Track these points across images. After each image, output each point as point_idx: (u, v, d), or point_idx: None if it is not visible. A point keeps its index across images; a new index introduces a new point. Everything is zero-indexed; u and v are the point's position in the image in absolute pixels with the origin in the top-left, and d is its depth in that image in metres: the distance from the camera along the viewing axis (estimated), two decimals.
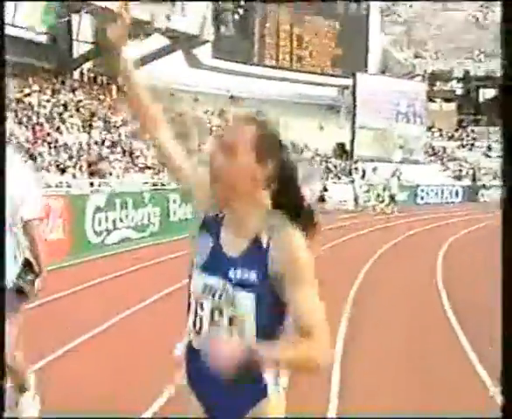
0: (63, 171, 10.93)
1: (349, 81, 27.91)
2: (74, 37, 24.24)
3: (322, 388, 3.51)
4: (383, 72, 33.20)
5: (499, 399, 3.41)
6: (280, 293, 1.40)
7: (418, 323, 5.34)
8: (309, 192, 17.02)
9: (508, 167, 1.79)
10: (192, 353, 1.49)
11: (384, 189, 17.60)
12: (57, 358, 3.94)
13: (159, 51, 23.79)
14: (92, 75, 23.92)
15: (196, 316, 1.47)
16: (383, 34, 35.92)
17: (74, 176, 10.99)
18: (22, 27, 21.60)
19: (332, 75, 30.84)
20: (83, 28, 24.34)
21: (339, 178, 21.15)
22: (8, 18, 20.27)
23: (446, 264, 8.53)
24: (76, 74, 23.63)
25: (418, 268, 8.31)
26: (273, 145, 1.44)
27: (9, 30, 20.76)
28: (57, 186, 9.38)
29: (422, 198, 21.84)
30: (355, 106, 26.60)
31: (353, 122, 26.64)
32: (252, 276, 1.41)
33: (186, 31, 22.47)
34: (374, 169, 19.24)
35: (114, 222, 8.96)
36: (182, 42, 23.20)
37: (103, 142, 15.05)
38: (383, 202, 17.63)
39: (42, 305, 5.37)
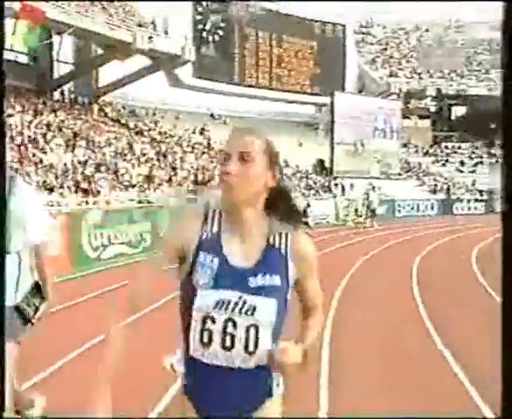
0: (51, 190, 11.13)
1: (326, 99, 28.67)
2: (55, 57, 24.42)
3: (312, 385, 3.84)
4: (360, 91, 34.12)
5: (475, 396, 3.68)
6: (289, 292, 1.51)
7: (395, 323, 5.72)
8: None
9: (508, 179, 1.81)
10: (196, 366, 1.48)
11: (363, 204, 18.15)
12: (56, 370, 4.10)
13: (141, 71, 24.09)
14: (72, 96, 24.09)
15: (203, 330, 1.46)
16: (359, 54, 36.96)
17: (62, 195, 11.19)
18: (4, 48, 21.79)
19: (310, 93, 31.60)
20: (64, 48, 24.55)
21: (319, 194, 21.66)
22: None
23: (420, 271, 9.05)
24: (57, 94, 23.75)
25: (395, 275, 8.80)
26: (277, 153, 1.54)
27: None
28: (48, 204, 9.56)
29: (400, 211, 22.54)
30: (333, 123, 27.32)
31: (332, 139, 27.34)
32: (276, 281, 1.46)
33: (168, 52, 22.86)
34: (352, 185, 19.80)
35: (108, 238, 9.32)
36: (163, 62, 23.57)
37: (86, 162, 15.24)
38: (361, 216, 18.17)
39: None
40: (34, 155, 13.57)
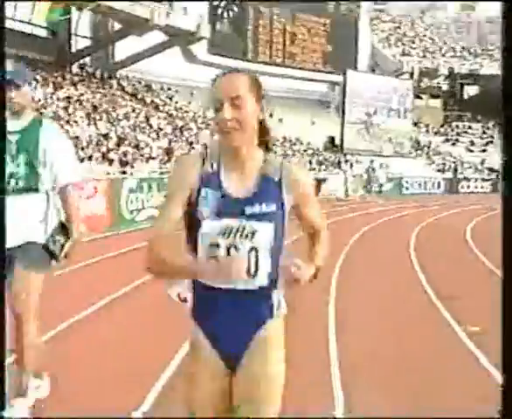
0: (81, 161, 11.99)
1: (340, 77, 29.03)
2: (73, 31, 24.95)
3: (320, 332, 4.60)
4: (372, 69, 34.35)
5: (471, 346, 4.09)
6: (286, 218, 1.63)
7: (392, 281, 6.45)
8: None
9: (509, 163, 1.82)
10: (202, 290, 1.62)
11: (370, 180, 18.83)
12: (79, 321, 4.39)
13: (157, 46, 24.59)
14: (90, 70, 24.68)
15: (209, 257, 1.58)
16: (372, 32, 37.01)
17: (91, 166, 12.05)
18: (22, 21, 22.37)
19: (323, 71, 31.91)
20: (82, 23, 25.07)
21: (329, 170, 22.33)
22: (9, 11, 21.06)
23: (418, 239, 9.91)
24: (75, 68, 24.32)
25: (395, 242, 9.64)
26: (261, 85, 1.61)
27: (9, 23, 21.55)
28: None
29: (407, 189, 23.15)
30: (344, 102, 27.76)
31: (342, 117, 27.81)
32: (272, 207, 1.59)
33: (184, 28, 23.33)
34: (361, 163, 20.46)
35: (142, 202, 10.56)
36: (179, 38, 24.05)
37: (107, 135, 15.99)
38: (370, 191, 18.88)
39: (76, 270, 6.44)
40: (62, 126, 14.35)
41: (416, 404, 3.12)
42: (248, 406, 1.63)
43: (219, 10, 27.92)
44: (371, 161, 19.46)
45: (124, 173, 12.26)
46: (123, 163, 13.20)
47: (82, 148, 13.26)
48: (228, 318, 1.61)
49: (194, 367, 1.66)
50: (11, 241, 2.63)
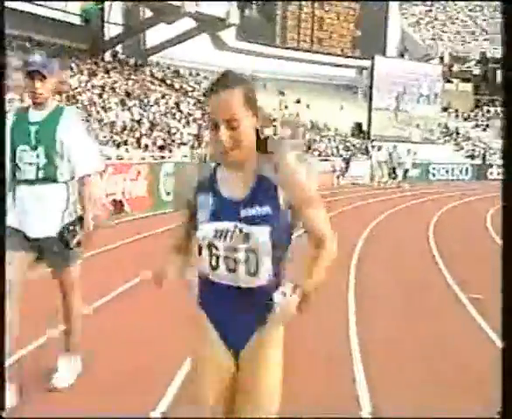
0: (118, 146, 12.61)
1: (368, 62, 28.94)
2: (106, 19, 25.56)
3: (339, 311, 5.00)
4: (401, 54, 34.00)
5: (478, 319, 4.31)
6: (287, 218, 1.60)
7: (410, 260, 6.82)
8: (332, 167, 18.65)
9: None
10: (209, 285, 1.67)
11: (396, 166, 18.99)
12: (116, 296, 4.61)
13: (186, 33, 25.00)
14: (122, 57, 25.29)
15: (211, 256, 1.63)
16: (402, 16, 36.54)
17: (127, 150, 12.65)
18: (57, 9, 23.08)
19: (352, 57, 31.79)
20: (114, 11, 25.67)
21: (356, 156, 22.51)
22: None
23: (438, 222, 10.27)
24: (107, 56, 24.95)
25: (415, 225, 10.00)
26: (254, 93, 1.59)
27: (44, 11, 22.28)
28: (118, 158, 11.05)
29: (434, 175, 23.15)
30: (371, 88, 27.72)
31: (370, 103, 27.79)
32: (266, 209, 1.58)
33: (213, 15, 23.66)
34: (388, 148, 20.59)
35: None
36: (208, 25, 24.39)
37: (140, 121, 16.58)
38: (395, 178, 19.05)
39: (120, 246, 6.97)
40: (98, 113, 15.01)
41: (438, 392, 3.10)
42: (247, 396, 1.67)
43: None
44: (394, 147, 19.60)
45: (163, 157, 12.93)
46: (161, 148, 13.82)
47: (117, 133, 13.87)
48: (230, 309, 1.66)
49: (200, 348, 1.72)
50: (34, 231, 2.78)
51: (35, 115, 2.81)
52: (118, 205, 9.43)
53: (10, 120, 2.81)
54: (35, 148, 2.77)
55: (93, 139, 3.22)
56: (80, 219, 2.87)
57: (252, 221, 1.58)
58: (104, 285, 4.91)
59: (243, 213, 1.59)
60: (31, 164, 2.77)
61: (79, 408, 2.76)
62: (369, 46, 30.37)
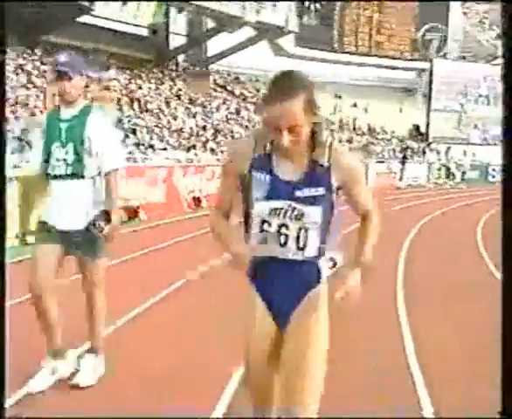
0: (188, 150, 13.72)
1: (427, 64, 28.77)
2: (171, 30, 26.98)
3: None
4: (463, 56, 33.39)
5: None
6: (333, 198, 1.74)
7: (458, 256, 7.22)
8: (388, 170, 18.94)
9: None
10: (256, 259, 1.77)
11: (456, 168, 18.97)
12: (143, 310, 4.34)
13: (246, 41, 25.95)
14: (186, 65, 26.60)
15: (262, 231, 1.74)
16: (465, 15, 35.81)
17: (196, 154, 13.76)
18: (126, 22, 24.69)
19: (410, 59, 31.63)
20: (178, 22, 27.04)
21: (413, 158, 22.58)
22: (114, 14, 23.36)
23: (486, 223, 10.51)
24: (171, 65, 26.29)
25: (467, 223, 10.45)
26: (313, 93, 1.68)
27: (114, 25, 23.90)
28: (188, 161, 12.15)
29: (493, 177, 22.78)
30: (430, 90, 27.56)
31: (428, 105, 27.64)
32: (320, 191, 1.71)
33: (273, 23, 24.46)
34: (447, 149, 20.56)
35: None
36: (268, 33, 25.21)
37: (205, 127, 17.65)
38: (454, 179, 19.04)
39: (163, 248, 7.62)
40: (169, 122, 16.22)
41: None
42: (294, 362, 1.74)
43: (307, 4, 28.73)
44: (448, 148, 19.59)
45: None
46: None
47: (185, 139, 14.99)
48: (280, 282, 1.78)
49: (250, 324, 1.83)
50: (63, 224, 2.89)
51: (65, 113, 2.92)
52: (196, 201, 10.80)
53: (44, 118, 3.03)
54: (65, 145, 2.88)
55: (119, 137, 3.36)
56: (106, 213, 2.95)
57: (305, 201, 1.71)
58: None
59: (297, 193, 1.71)
60: (60, 160, 2.87)
61: (138, 406, 2.76)
62: (429, 48, 30.13)
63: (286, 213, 1.71)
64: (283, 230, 1.73)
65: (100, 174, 2.93)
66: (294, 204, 1.71)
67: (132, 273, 5.66)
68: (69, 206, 2.88)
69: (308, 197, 1.71)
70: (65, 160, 2.87)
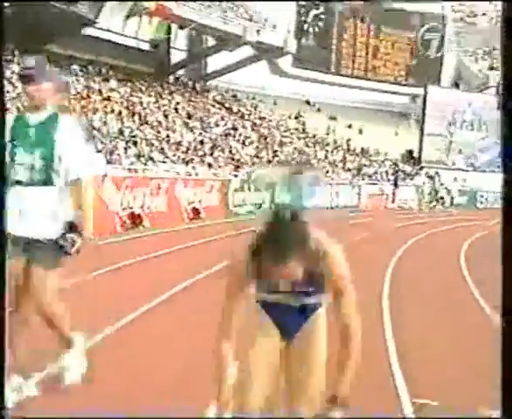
0: (187, 163, 14.07)
1: (420, 90, 29.50)
2: (172, 44, 27.49)
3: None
4: (456, 84, 34.21)
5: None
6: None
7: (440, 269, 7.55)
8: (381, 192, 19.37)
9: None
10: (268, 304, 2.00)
11: (446, 193, 19.49)
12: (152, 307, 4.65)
13: (245, 60, 26.53)
14: (184, 80, 27.07)
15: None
16: (458, 45, 36.75)
17: (193, 168, 14.10)
18: (128, 36, 25.16)
19: (405, 84, 32.37)
20: (179, 37, 27.56)
21: (405, 181, 23.11)
22: (118, 28, 23.84)
23: (471, 246, 10.86)
24: (171, 79, 26.72)
25: (450, 245, 10.80)
26: (308, 239, 1.74)
27: (116, 38, 24.35)
28: (187, 174, 12.50)
29: (482, 203, 23.33)
30: (424, 115, 28.26)
31: (421, 130, 28.31)
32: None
33: (272, 44, 25.09)
34: (436, 174, 21.13)
35: (243, 200, 13.90)
36: (267, 52, 25.82)
37: (202, 142, 18.03)
38: (443, 204, 19.55)
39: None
40: (168, 136, 16.58)
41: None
42: (302, 364, 1.96)
43: (305, 26, 29.44)
44: (436, 173, 20.15)
45: (236, 176, 14.70)
46: (235, 167, 15.49)
47: (183, 152, 15.33)
48: (290, 310, 1.96)
49: (255, 331, 2.00)
50: (24, 232, 2.76)
51: (32, 118, 2.85)
52: (195, 212, 11.48)
53: (10, 121, 2.86)
54: (31, 151, 2.79)
55: (90, 145, 3.13)
56: (74, 225, 2.84)
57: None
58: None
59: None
60: (27, 166, 2.78)
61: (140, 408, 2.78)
62: (423, 75, 30.90)
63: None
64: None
65: (67, 182, 2.83)
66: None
67: (132, 278, 5.98)
68: (35, 214, 2.77)
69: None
70: (32, 166, 2.78)
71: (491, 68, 36.64)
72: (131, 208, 9.30)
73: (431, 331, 4.79)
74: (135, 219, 9.28)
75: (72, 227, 2.84)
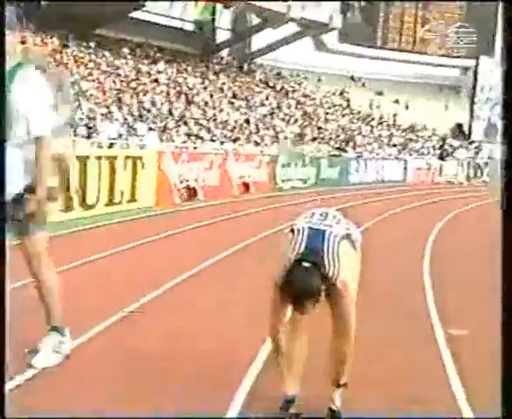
0: (234, 141, 14.54)
1: (472, 62, 28.51)
2: (217, 24, 27.69)
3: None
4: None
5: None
6: None
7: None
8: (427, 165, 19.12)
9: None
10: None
11: (481, 167, 19.06)
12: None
13: (290, 37, 26.35)
14: (229, 59, 27.28)
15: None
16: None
17: (241, 145, 14.55)
18: (174, 17, 25.58)
19: (456, 57, 31.30)
20: (223, 17, 27.74)
21: (452, 155, 22.62)
22: (163, 9, 24.27)
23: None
24: (216, 59, 26.95)
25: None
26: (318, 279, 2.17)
27: (162, 20, 24.82)
28: (233, 151, 12.96)
29: None
30: (475, 89, 27.31)
31: (472, 104, 27.41)
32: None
33: (317, 20, 24.82)
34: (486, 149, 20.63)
35: (289, 175, 14.49)
36: (312, 29, 25.57)
37: (248, 120, 18.31)
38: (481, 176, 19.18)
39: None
40: (215, 115, 17.00)
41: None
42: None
43: (351, 1, 28.94)
44: (478, 148, 19.65)
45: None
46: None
47: (230, 130, 15.73)
48: None
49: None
50: None
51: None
52: (245, 187, 12.25)
53: None
54: None
55: (50, 101, 2.76)
56: (32, 188, 2.64)
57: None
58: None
59: None
60: None
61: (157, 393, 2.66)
62: (475, 46, 29.79)
63: None
64: None
65: (28, 140, 2.62)
66: None
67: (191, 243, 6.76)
68: None
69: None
70: None
71: None
72: (187, 181, 9.90)
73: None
74: (191, 192, 9.92)
75: (31, 187, 2.65)
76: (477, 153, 21.59)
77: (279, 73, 28.12)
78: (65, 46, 16.54)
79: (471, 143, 26.02)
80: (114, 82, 16.05)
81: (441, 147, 23.50)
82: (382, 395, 2.71)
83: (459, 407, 2.66)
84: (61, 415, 2.32)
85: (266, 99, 22.83)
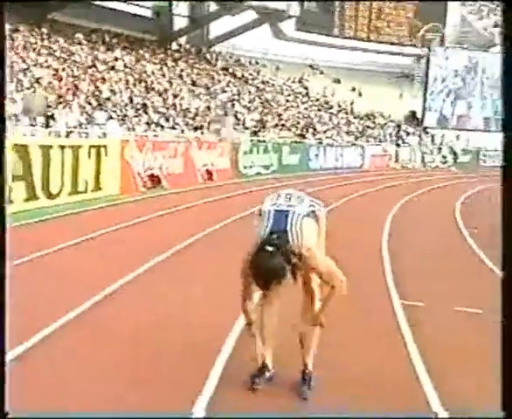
0: (195, 129, 14.47)
1: (425, 51, 29.38)
2: (174, 11, 27.34)
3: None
4: (460, 43, 33.94)
5: None
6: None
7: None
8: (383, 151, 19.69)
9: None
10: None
11: (448, 152, 19.82)
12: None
13: (248, 24, 26.38)
14: (188, 46, 27.03)
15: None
16: (462, 4, 36.27)
17: (202, 133, 14.49)
18: (130, 3, 25.09)
19: (409, 45, 32.16)
20: (181, 4, 27.41)
21: (408, 142, 23.38)
22: None
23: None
24: (174, 46, 26.66)
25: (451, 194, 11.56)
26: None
27: (118, 5, 24.32)
28: (196, 139, 12.92)
29: (485, 162, 23.61)
30: (427, 76, 28.23)
31: (425, 91, 28.33)
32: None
33: (275, 7, 24.93)
34: (442, 135, 21.43)
35: (252, 161, 14.61)
36: (270, 17, 25.68)
37: (209, 107, 18.28)
38: (446, 163, 19.88)
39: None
40: (174, 104, 16.86)
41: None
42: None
43: None
44: (442, 135, 20.44)
45: (251, 141, 15.33)
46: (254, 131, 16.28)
47: (191, 118, 15.68)
48: None
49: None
50: None
51: None
52: (209, 174, 12.37)
53: None
54: None
55: None
56: None
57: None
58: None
59: None
60: None
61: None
62: (427, 35, 30.68)
63: None
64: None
65: None
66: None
67: (155, 230, 6.76)
68: None
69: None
70: None
71: (496, 26, 36.20)
72: (151, 169, 9.85)
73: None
74: (155, 180, 9.95)
75: None
76: (432, 140, 22.40)
77: (238, 60, 28.10)
78: (16, 31, 16.00)
79: (424, 129, 26.94)
80: (70, 69, 15.69)
81: (397, 133, 24.26)
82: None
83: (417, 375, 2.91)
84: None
85: (227, 86, 22.83)
